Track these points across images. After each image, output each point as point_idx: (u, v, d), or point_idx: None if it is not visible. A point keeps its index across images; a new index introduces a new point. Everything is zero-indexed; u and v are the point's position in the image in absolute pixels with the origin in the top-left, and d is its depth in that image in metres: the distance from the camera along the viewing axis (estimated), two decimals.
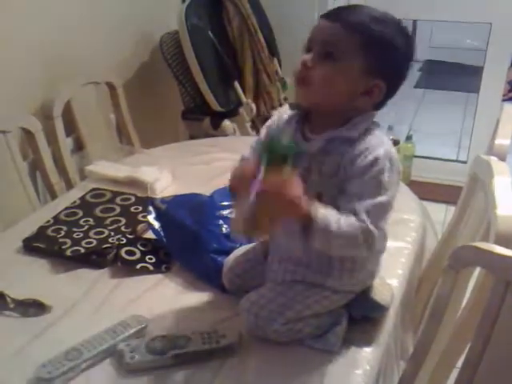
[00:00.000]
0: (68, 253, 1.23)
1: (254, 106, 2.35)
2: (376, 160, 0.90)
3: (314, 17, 2.49)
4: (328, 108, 0.94)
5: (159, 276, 1.18)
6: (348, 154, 0.91)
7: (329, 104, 0.93)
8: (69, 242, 1.26)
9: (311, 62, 0.91)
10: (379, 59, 0.91)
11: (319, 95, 0.92)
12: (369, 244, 0.89)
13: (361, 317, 1.02)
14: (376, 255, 1.00)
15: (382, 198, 0.89)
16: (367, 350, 0.98)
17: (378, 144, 0.92)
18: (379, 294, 1.03)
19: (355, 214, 0.88)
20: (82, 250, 1.23)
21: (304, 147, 0.95)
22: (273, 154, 0.87)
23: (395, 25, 0.93)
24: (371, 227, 0.88)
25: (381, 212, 0.90)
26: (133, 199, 1.47)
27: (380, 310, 1.03)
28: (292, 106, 1.00)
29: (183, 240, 1.22)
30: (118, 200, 1.46)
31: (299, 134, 0.97)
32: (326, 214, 0.88)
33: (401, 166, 0.94)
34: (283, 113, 1.02)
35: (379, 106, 0.96)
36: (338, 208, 0.91)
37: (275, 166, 0.86)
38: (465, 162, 2.99)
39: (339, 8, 0.96)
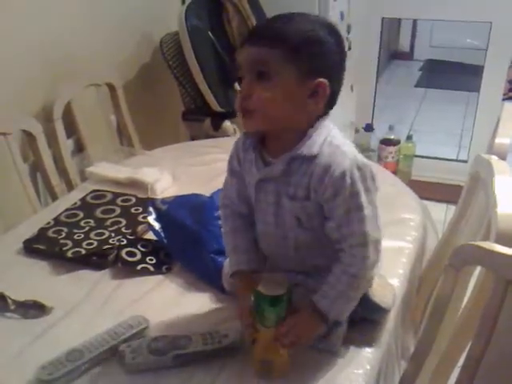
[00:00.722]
0: (69, 254, 1.23)
1: None
2: (343, 174, 0.87)
3: None
4: (282, 126, 0.91)
5: (160, 277, 1.18)
6: (314, 173, 0.89)
7: (281, 122, 0.91)
8: (69, 243, 1.26)
9: (247, 89, 0.89)
10: (311, 59, 0.88)
11: (267, 118, 0.90)
12: (375, 261, 0.92)
13: (360, 318, 1.02)
14: None
15: (365, 212, 0.89)
16: (368, 350, 0.97)
17: (341, 155, 0.89)
18: (380, 295, 1.02)
19: (345, 242, 0.90)
20: (83, 252, 1.23)
21: (267, 172, 0.94)
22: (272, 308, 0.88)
23: (315, 20, 0.91)
24: (369, 254, 0.90)
25: (370, 225, 0.89)
26: (133, 200, 1.47)
27: (381, 312, 1.02)
28: (247, 135, 0.99)
29: (184, 241, 1.22)
30: (118, 201, 1.46)
31: (260, 161, 0.95)
32: (330, 302, 0.91)
33: (372, 165, 0.92)
34: (240, 143, 1.01)
35: (330, 104, 0.93)
36: (322, 228, 0.93)
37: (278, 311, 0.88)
38: (465, 162, 2.99)
39: (254, 28, 0.94)
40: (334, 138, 0.91)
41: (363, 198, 0.89)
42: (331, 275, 0.92)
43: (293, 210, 0.93)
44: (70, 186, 1.76)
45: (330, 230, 0.92)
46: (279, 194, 0.93)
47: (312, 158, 0.89)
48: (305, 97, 0.89)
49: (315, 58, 0.89)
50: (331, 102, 0.93)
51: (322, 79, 0.89)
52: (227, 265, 1.11)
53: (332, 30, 0.92)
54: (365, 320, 1.02)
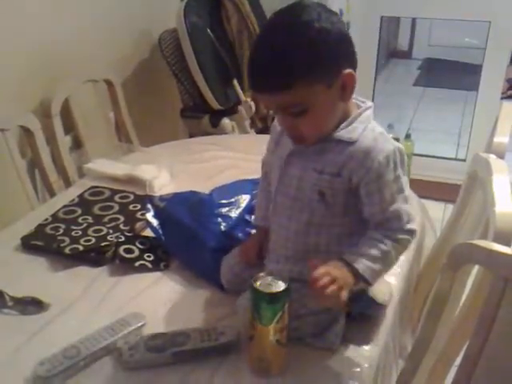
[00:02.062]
0: (66, 251, 1.22)
1: (252, 104, 2.35)
2: (388, 158, 0.90)
3: None
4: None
5: (158, 274, 1.18)
6: (353, 156, 0.91)
7: (329, 126, 0.93)
8: (67, 239, 1.26)
9: (290, 126, 0.92)
10: (328, 62, 0.86)
11: (318, 134, 0.93)
12: (413, 237, 0.94)
13: (358, 314, 1.02)
14: None
15: (406, 193, 0.93)
16: (366, 348, 0.98)
17: (385, 140, 0.92)
18: (376, 291, 1.02)
19: (388, 221, 0.92)
20: (81, 248, 1.23)
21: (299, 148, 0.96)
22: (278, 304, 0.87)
23: (305, 21, 0.85)
24: (410, 227, 0.92)
25: (408, 204, 0.93)
26: (131, 197, 1.47)
27: (378, 307, 1.03)
28: None
29: (182, 238, 1.22)
30: (116, 198, 1.46)
31: None
32: (363, 262, 0.89)
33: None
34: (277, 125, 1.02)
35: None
36: (341, 206, 0.93)
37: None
38: (464, 160, 3.00)
39: (259, 72, 0.88)
40: (376, 127, 0.94)
41: (403, 181, 0.92)
42: (371, 240, 0.92)
43: (317, 184, 0.93)
44: (68, 183, 1.76)
45: (371, 214, 0.93)
46: (305, 168, 0.95)
47: (351, 143, 0.91)
48: (338, 95, 0.90)
49: (331, 57, 0.87)
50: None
51: (345, 71, 0.88)
52: (225, 262, 1.11)
53: (323, 11, 0.87)
54: (363, 317, 1.02)
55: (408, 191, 0.94)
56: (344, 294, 0.86)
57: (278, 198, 1.00)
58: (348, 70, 0.89)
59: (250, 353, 0.92)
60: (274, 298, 0.86)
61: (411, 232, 0.93)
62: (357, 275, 0.89)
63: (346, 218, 0.96)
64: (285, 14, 0.89)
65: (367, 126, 0.93)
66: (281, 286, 0.87)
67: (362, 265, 0.89)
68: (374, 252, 0.90)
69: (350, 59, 0.91)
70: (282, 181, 0.99)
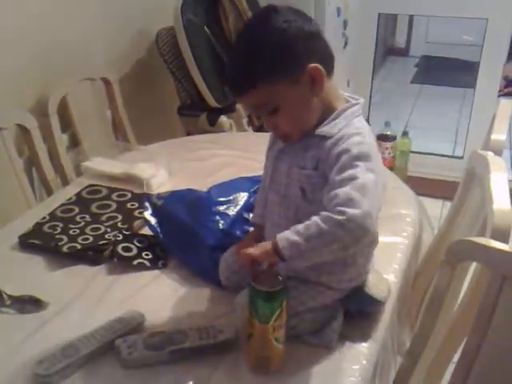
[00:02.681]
0: (64, 249, 1.22)
1: None
2: (350, 146, 0.89)
3: (311, 12, 2.48)
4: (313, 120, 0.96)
5: (156, 272, 1.18)
6: (326, 146, 0.91)
7: (312, 120, 0.94)
8: (65, 238, 1.26)
9: (270, 124, 0.95)
10: (290, 59, 0.90)
11: (301, 129, 0.95)
12: (351, 230, 0.82)
13: (356, 311, 1.02)
14: (369, 245, 0.99)
15: (359, 181, 0.85)
16: (364, 345, 0.98)
17: (354, 131, 0.92)
18: (375, 288, 1.03)
19: (328, 203, 0.86)
20: (79, 247, 1.23)
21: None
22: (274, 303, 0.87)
23: (262, 20, 0.92)
24: (344, 209, 0.82)
25: (359, 193, 0.84)
26: (129, 195, 1.46)
27: (376, 304, 1.03)
28: None
29: (180, 236, 1.22)
30: (114, 196, 1.46)
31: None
32: (285, 233, 0.86)
33: (380, 154, 0.95)
34: None
35: (329, 69, 0.94)
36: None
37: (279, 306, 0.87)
38: (461, 158, 3.00)
39: (229, 77, 0.95)
40: (357, 122, 0.95)
41: (361, 172, 0.86)
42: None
43: (300, 180, 0.95)
44: (66, 181, 1.76)
45: (323, 198, 0.89)
46: (292, 164, 0.96)
47: (329, 137, 0.92)
48: (309, 89, 0.92)
49: (288, 55, 0.90)
50: (329, 68, 0.94)
51: (309, 65, 0.90)
52: (223, 260, 1.11)
53: (281, 13, 0.91)
54: (361, 314, 1.03)
55: (370, 185, 0.85)
56: (252, 253, 0.87)
57: (270, 196, 1.02)
58: (312, 65, 0.90)
59: (249, 351, 0.92)
60: (271, 295, 0.86)
61: (342, 213, 0.82)
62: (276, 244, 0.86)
63: None
64: (251, 20, 0.96)
65: (351, 121, 0.94)
66: (278, 283, 0.87)
67: (281, 235, 0.86)
68: (299, 226, 0.86)
69: (316, 55, 0.92)
70: (273, 178, 1.01)
